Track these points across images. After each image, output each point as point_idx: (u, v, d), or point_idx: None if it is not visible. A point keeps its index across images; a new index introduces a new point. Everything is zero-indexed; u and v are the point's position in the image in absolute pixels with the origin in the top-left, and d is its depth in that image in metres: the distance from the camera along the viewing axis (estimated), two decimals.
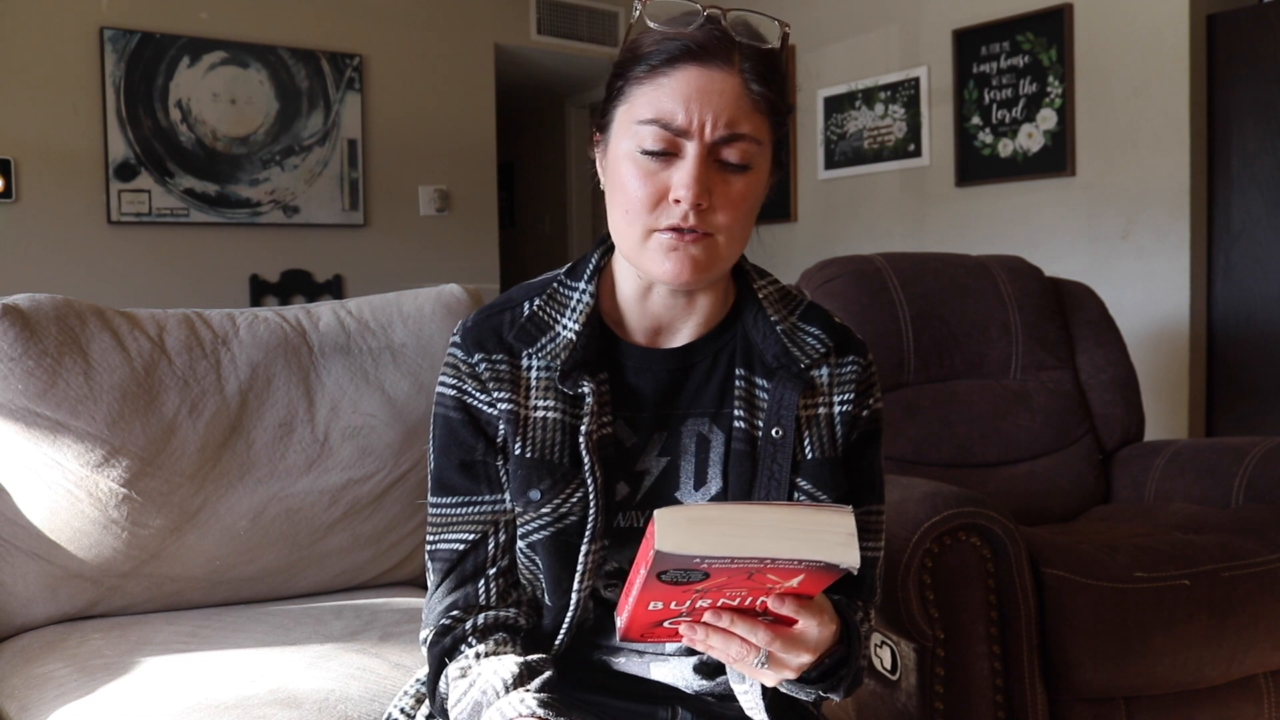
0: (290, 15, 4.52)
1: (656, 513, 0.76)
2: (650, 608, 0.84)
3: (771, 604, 0.84)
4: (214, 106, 4.35)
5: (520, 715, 0.89)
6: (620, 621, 0.89)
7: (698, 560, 0.76)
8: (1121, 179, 3.65)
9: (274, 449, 1.61)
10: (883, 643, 1.71)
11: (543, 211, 6.88)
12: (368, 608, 1.60)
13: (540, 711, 0.89)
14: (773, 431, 1.00)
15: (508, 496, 1.02)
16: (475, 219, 5.06)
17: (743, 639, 0.85)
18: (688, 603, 0.83)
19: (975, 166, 4.08)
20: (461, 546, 1.02)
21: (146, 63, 4.20)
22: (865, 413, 1.05)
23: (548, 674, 0.95)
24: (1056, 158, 3.80)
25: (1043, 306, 2.49)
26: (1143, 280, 3.59)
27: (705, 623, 0.86)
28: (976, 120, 4.05)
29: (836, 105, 4.61)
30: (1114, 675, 1.71)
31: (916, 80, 4.27)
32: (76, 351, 1.51)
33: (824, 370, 1.03)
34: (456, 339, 1.04)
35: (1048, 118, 3.83)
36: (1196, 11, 3.48)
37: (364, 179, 4.69)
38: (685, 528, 0.75)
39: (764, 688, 0.98)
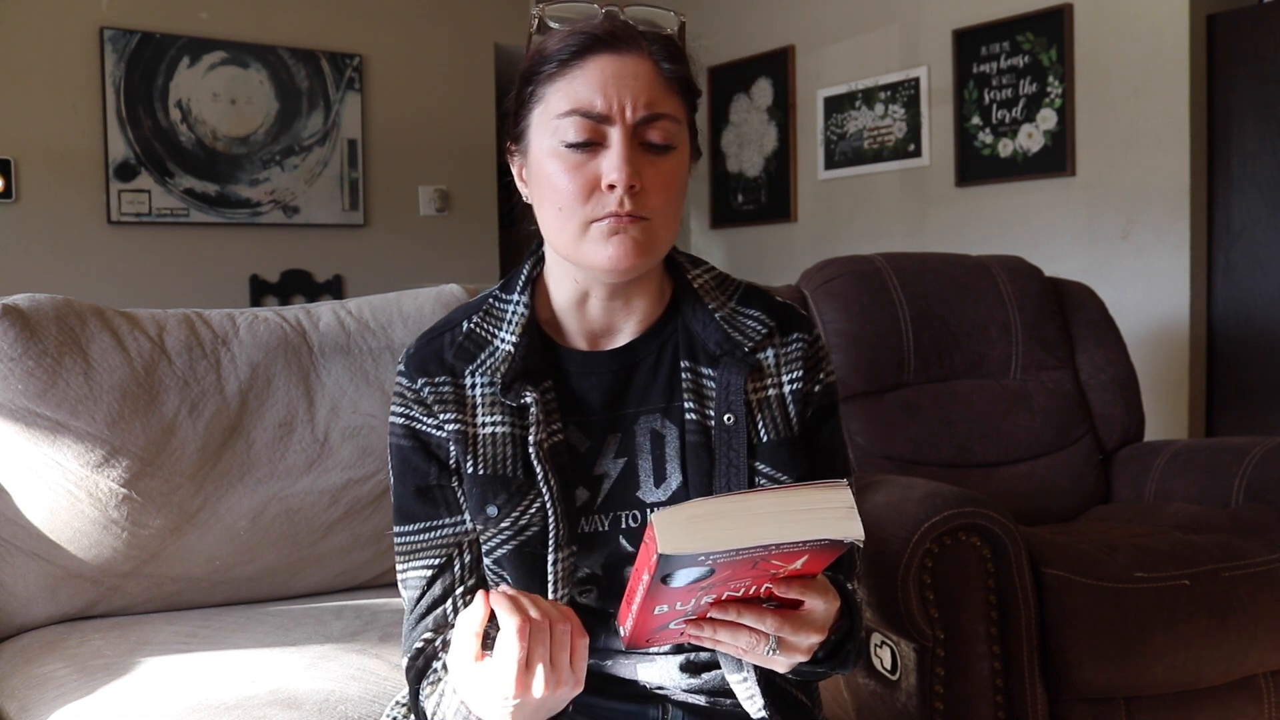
0: (290, 15, 4.52)
1: (654, 517, 0.75)
2: (656, 612, 0.83)
3: (777, 589, 0.84)
4: (214, 106, 4.35)
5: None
6: (625, 631, 0.88)
7: (702, 558, 0.76)
8: (1121, 179, 3.65)
9: (274, 449, 1.61)
10: (883, 643, 1.71)
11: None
12: (368, 608, 1.60)
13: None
14: (724, 418, 1.00)
15: (468, 517, 1.02)
16: (475, 219, 5.06)
17: (751, 629, 0.85)
18: (692, 601, 0.83)
19: (975, 166, 4.07)
20: (429, 572, 1.02)
21: (146, 63, 4.20)
22: (818, 388, 1.05)
23: None
24: (1056, 158, 3.80)
25: (1043, 306, 2.49)
26: (1143, 280, 3.59)
27: (712, 618, 0.85)
28: (976, 120, 4.05)
29: (836, 105, 4.61)
30: (1114, 675, 1.71)
31: (916, 80, 4.27)
32: (76, 351, 1.51)
33: (769, 351, 1.03)
34: (401, 367, 1.05)
35: (1048, 118, 3.83)
36: (1196, 11, 3.47)
37: (364, 179, 4.69)
38: (685, 527, 0.75)
39: (758, 677, 0.98)
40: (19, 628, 1.53)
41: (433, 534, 1.03)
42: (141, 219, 4.21)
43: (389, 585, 1.75)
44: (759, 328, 1.03)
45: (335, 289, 4.62)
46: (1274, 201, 3.37)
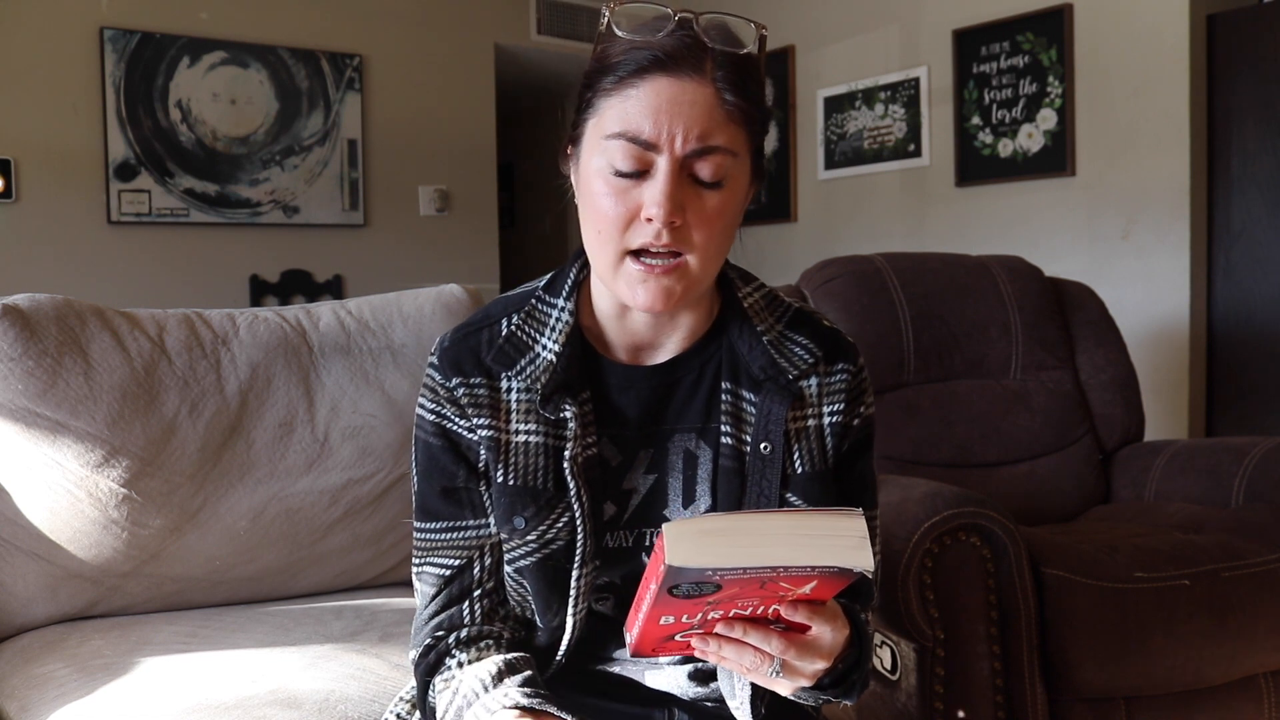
0: (290, 15, 4.51)
1: (665, 527, 0.75)
2: (662, 622, 0.83)
3: (784, 611, 0.83)
4: (214, 106, 4.35)
5: (504, 708, 0.88)
6: (630, 638, 0.88)
7: (709, 573, 0.75)
8: (1121, 179, 3.65)
9: (274, 449, 1.61)
10: (883, 643, 1.71)
11: (543, 211, 6.88)
12: (368, 608, 1.60)
13: (524, 701, 0.88)
14: (761, 446, 0.98)
15: (492, 521, 1.00)
16: (475, 219, 5.06)
17: (756, 649, 0.84)
18: (699, 615, 0.82)
19: (975, 166, 4.07)
20: (447, 571, 1.01)
21: (146, 63, 4.20)
22: (856, 421, 1.02)
23: (528, 672, 0.94)
24: (1056, 158, 3.80)
25: (1043, 306, 2.49)
26: (1143, 280, 3.59)
27: (718, 634, 0.84)
28: (976, 120, 4.05)
29: (836, 105, 4.61)
30: (1114, 675, 1.71)
31: (916, 80, 4.27)
32: (76, 351, 1.50)
33: (812, 380, 1.00)
34: (434, 360, 1.01)
35: (1048, 118, 3.83)
36: (1196, 11, 3.48)
37: (364, 179, 4.69)
38: (695, 540, 0.74)
39: (754, 701, 0.97)
40: (19, 628, 1.53)
41: (455, 534, 1.01)
42: (141, 219, 4.21)
43: (389, 585, 1.75)
44: (806, 356, 1.00)
45: (335, 289, 4.62)
46: (1274, 201, 3.37)
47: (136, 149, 4.18)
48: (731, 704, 0.99)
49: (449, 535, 1.01)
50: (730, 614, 0.83)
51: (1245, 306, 3.44)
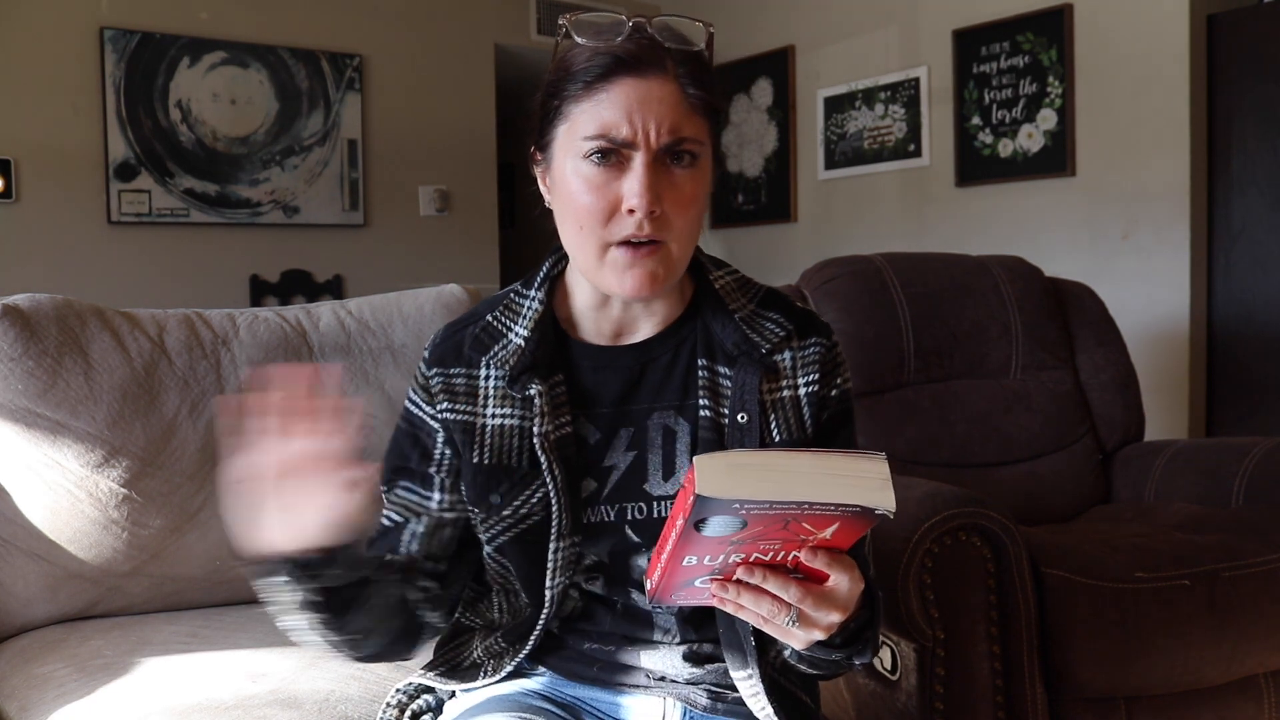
0: (290, 15, 4.51)
1: (696, 459, 0.77)
2: (685, 563, 0.85)
3: (804, 557, 0.85)
4: (214, 106, 4.35)
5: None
6: (650, 583, 0.90)
7: (737, 505, 0.77)
8: (1121, 179, 3.65)
9: None
10: (883, 643, 1.71)
11: (543, 212, 6.88)
12: None
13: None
14: (738, 417, 1.01)
15: (436, 497, 1.04)
16: (475, 219, 5.06)
17: (774, 596, 0.86)
18: (721, 557, 0.84)
19: (975, 166, 4.07)
20: (387, 523, 1.05)
21: (146, 63, 4.20)
22: (834, 393, 1.06)
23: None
24: (1056, 158, 3.80)
25: (1043, 306, 2.49)
26: (1143, 280, 3.59)
27: (738, 579, 0.86)
28: (976, 120, 4.05)
29: (836, 105, 4.61)
30: (1114, 675, 1.71)
31: (916, 80, 4.27)
32: (76, 351, 1.51)
33: (786, 354, 1.04)
34: (425, 353, 1.07)
35: (1048, 118, 3.83)
36: (1196, 11, 3.48)
37: (364, 179, 4.69)
38: (725, 473, 0.76)
39: (763, 678, 0.98)
40: (19, 628, 1.53)
41: (398, 493, 1.05)
42: (141, 219, 4.21)
43: None
44: (777, 330, 1.04)
45: (335, 289, 4.62)
46: (1274, 201, 3.37)
47: (136, 149, 4.18)
48: (739, 675, 1.00)
49: (391, 494, 1.06)
50: (751, 558, 0.85)
51: (1245, 306, 3.45)
